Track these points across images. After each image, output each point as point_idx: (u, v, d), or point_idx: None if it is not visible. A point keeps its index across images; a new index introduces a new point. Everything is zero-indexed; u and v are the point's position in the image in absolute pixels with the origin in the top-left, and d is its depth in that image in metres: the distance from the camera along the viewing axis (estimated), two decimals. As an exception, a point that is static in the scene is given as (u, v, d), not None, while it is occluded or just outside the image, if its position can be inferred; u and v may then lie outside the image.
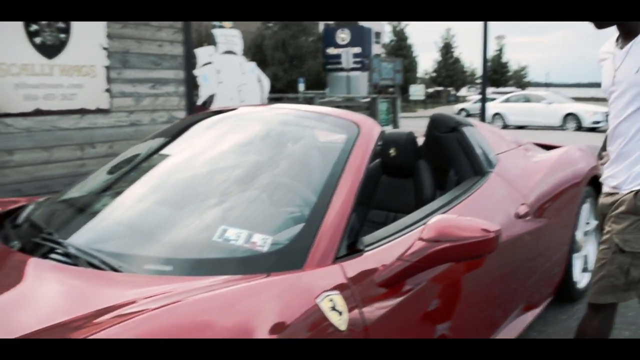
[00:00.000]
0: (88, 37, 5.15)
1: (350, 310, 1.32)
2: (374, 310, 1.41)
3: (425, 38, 75.85)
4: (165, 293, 1.15)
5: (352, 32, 21.42)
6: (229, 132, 2.06)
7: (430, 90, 45.25)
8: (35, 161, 4.93)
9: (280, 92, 18.53)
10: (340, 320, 1.26)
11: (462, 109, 29.68)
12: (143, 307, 1.07)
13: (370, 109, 13.68)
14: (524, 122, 20.05)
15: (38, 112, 4.89)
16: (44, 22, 4.83)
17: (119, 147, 5.29)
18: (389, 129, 2.75)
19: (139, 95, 5.63)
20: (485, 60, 10.62)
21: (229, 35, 9.93)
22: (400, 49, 37.21)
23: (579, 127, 18.74)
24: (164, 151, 2.07)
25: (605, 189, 2.11)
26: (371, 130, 1.83)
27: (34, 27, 4.78)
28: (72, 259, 1.41)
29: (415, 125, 8.93)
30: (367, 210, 2.61)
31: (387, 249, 1.59)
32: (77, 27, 5.05)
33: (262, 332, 1.08)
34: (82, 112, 5.20)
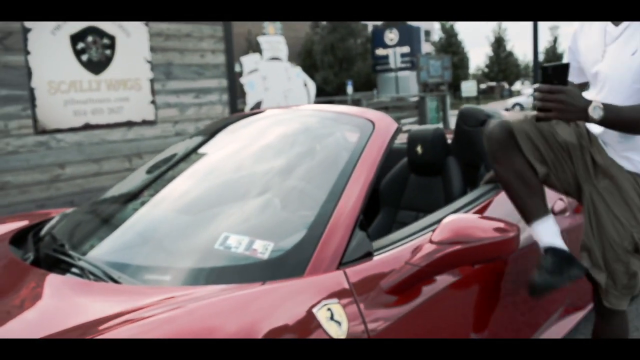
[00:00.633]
0: (132, 52, 5.31)
1: (351, 320, 1.24)
2: (379, 320, 1.32)
3: (476, 33, 74.17)
4: (147, 307, 1.14)
5: (401, 31, 21.20)
6: (246, 137, 2.05)
7: (483, 86, 44.16)
8: (86, 174, 5.12)
9: (331, 95, 18.55)
10: (339, 332, 1.19)
11: (517, 104, 28.79)
12: (121, 320, 1.07)
13: (419, 108, 13.47)
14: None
15: (87, 127, 5.08)
16: (90, 40, 5.02)
17: (165, 157, 5.40)
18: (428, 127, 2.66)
19: (183, 106, 5.75)
20: (536, 52, 10.25)
21: (273, 42, 10.03)
22: (450, 46, 36.51)
23: None
24: (183, 157, 2.08)
25: None
26: (387, 127, 1.74)
27: (80, 45, 4.97)
28: (76, 271, 1.43)
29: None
30: (396, 211, 2.55)
31: (399, 253, 1.50)
32: (121, 42, 5.21)
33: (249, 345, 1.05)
34: (129, 124, 5.36)
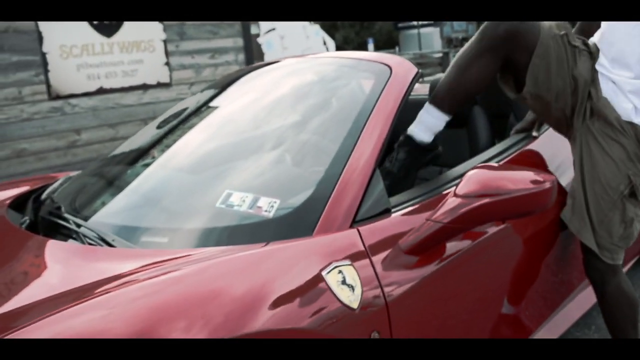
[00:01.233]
0: (143, 12, 5.15)
1: (365, 284, 1.11)
2: (396, 284, 1.18)
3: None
4: (139, 270, 1.03)
5: (423, -14, 20.42)
6: (258, 89, 1.90)
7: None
8: (103, 139, 5.05)
9: (351, 55, 18.15)
10: (352, 297, 1.06)
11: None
12: (109, 286, 0.96)
13: (442, 65, 13.09)
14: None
15: (101, 91, 4.99)
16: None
17: (181, 119, 5.30)
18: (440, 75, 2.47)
19: (198, 67, 5.61)
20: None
21: (291, 0, 9.75)
22: None
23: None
24: (193, 113, 1.95)
25: None
26: (406, 72, 1.57)
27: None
28: (72, 235, 1.33)
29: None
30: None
31: (420, 210, 1.35)
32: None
33: (252, 316, 0.93)
34: (144, 87, 5.25)
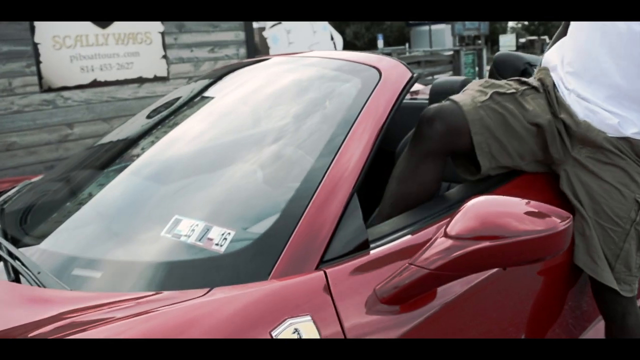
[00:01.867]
0: (141, 3, 4.97)
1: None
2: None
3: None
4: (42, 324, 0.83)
5: (436, -18, 20.11)
6: (238, 91, 1.70)
7: (523, 39, 42.26)
8: (96, 133, 4.88)
9: (361, 50, 17.92)
10: None
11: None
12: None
13: (453, 63, 12.80)
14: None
15: (95, 84, 4.82)
16: (95, -10, 4.69)
17: (177, 115, 5.13)
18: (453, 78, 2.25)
19: (197, 60, 5.42)
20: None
21: (299, -7, 9.54)
22: (490, -3, 34.86)
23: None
24: (166, 115, 1.75)
25: None
26: (398, 76, 1.36)
27: (85, -5, 4.65)
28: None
29: (500, 77, 8.16)
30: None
31: (404, 245, 1.11)
32: (128, -8, 4.88)
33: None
34: (140, 81, 5.07)
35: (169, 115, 1.71)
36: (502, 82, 1.58)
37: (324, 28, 9.75)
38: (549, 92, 1.57)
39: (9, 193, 1.70)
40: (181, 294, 0.92)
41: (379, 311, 1.00)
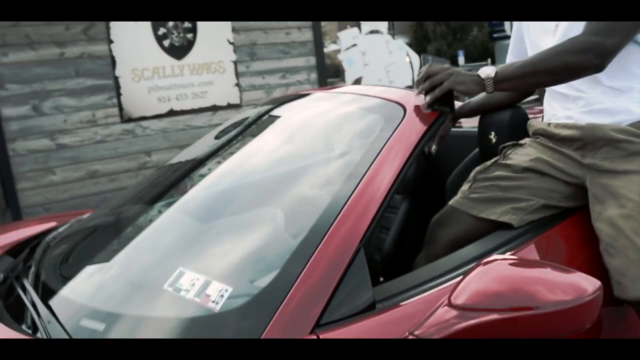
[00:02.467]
0: (214, 34, 5.14)
1: None
2: None
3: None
4: None
5: (522, -7, 19.44)
6: (270, 130, 1.69)
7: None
8: (172, 161, 5.07)
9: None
10: None
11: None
12: None
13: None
14: None
15: (172, 113, 5.02)
16: (171, 25, 4.91)
17: (248, 141, 5.24)
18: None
19: (269, 87, 5.52)
20: None
21: (374, 14, 9.51)
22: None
23: None
24: (200, 158, 1.77)
25: None
26: (424, 114, 1.28)
27: (162, 30, 4.88)
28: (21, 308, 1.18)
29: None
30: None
31: (419, 307, 0.99)
32: (202, 25, 5.07)
33: None
34: (214, 109, 5.23)
35: (205, 159, 1.73)
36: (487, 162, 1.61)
37: (399, 48, 9.66)
38: (540, 135, 1.58)
39: (60, 230, 1.78)
40: None
41: None
